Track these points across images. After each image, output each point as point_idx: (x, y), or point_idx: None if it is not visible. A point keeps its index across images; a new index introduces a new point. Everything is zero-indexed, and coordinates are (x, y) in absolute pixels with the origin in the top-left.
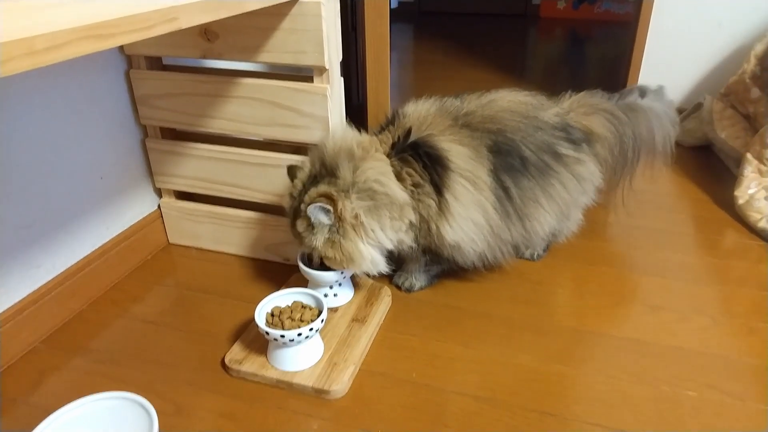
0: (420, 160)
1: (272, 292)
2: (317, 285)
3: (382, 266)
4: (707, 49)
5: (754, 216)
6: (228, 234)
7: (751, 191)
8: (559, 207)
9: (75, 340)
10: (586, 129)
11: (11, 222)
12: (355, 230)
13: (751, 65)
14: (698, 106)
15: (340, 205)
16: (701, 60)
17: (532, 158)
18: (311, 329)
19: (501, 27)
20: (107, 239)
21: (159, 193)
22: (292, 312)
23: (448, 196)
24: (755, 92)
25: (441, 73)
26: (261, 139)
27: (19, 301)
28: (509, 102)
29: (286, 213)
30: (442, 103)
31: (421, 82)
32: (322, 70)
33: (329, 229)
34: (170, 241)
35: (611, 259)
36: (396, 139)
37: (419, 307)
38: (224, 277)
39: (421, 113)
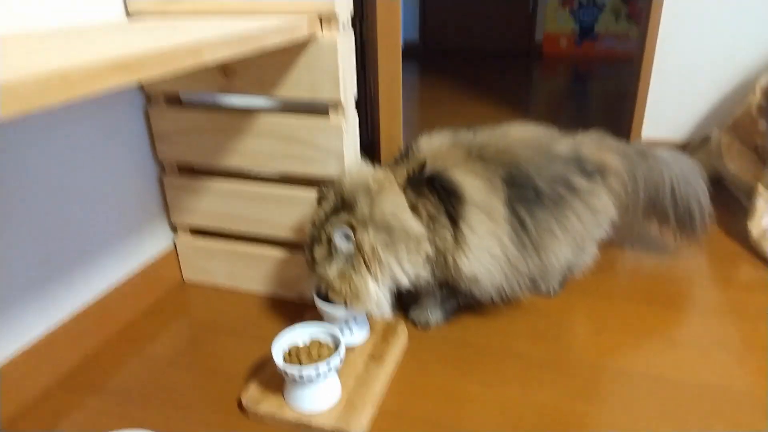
0: (435, 192)
1: None
2: (331, 320)
3: (386, 310)
4: (712, 83)
5: None
6: (242, 270)
7: (765, 222)
8: (574, 238)
9: (90, 380)
10: (599, 162)
11: (29, 257)
12: (369, 266)
13: (756, 98)
14: (706, 140)
15: (359, 235)
16: (707, 94)
17: (546, 190)
18: (329, 367)
19: (505, 64)
20: (122, 276)
21: (174, 229)
22: (309, 350)
23: (464, 227)
24: (762, 125)
25: (447, 109)
26: (276, 174)
27: (36, 339)
28: (522, 134)
29: (305, 240)
30: (456, 136)
31: (428, 119)
32: (337, 105)
33: (345, 260)
34: (184, 277)
35: (627, 293)
36: (411, 173)
37: (436, 344)
38: (239, 314)
39: (434, 146)
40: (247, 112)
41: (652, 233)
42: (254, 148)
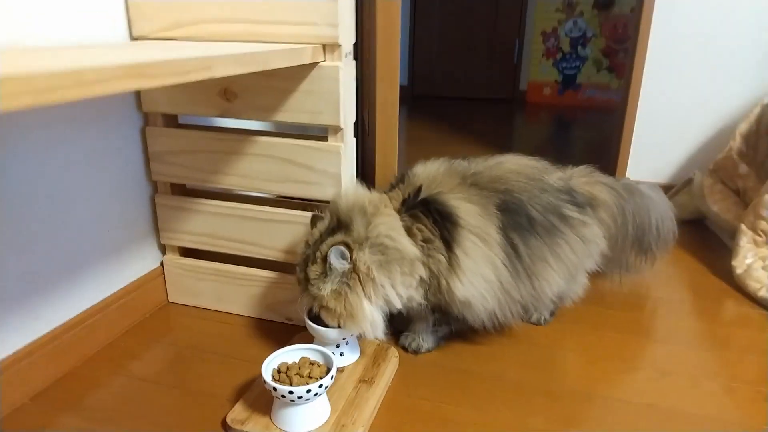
0: (430, 216)
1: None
2: (323, 343)
3: (380, 331)
4: (692, 129)
5: (753, 285)
6: (230, 292)
7: (748, 261)
8: (566, 267)
9: (67, 398)
10: (589, 194)
11: (16, 269)
12: (363, 286)
13: (737, 143)
14: (689, 182)
15: (355, 255)
16: (689, 139)
17: (539, 218)
18: (320, 386)
19: (489, 110)
20: (108, 294)
21: (163, 249)
22: (300, 368)
23: (458, 251)
24: (743, 168)
25: (433, 150)
26: (272, 196)
27: (14, 353)
28: (515, 164)
29: (298, 260)
30: (451, 164)
31: (415, 157)
32: (336, 130)
33: (340, 279)
34: (170, 299)
35: (617, 324)
36: (406, 196)
37: (427, 370)
38: (225, 336)
39: (430, 173)
40: (245, 134)
41: (637, 266)
42: (250, 170)
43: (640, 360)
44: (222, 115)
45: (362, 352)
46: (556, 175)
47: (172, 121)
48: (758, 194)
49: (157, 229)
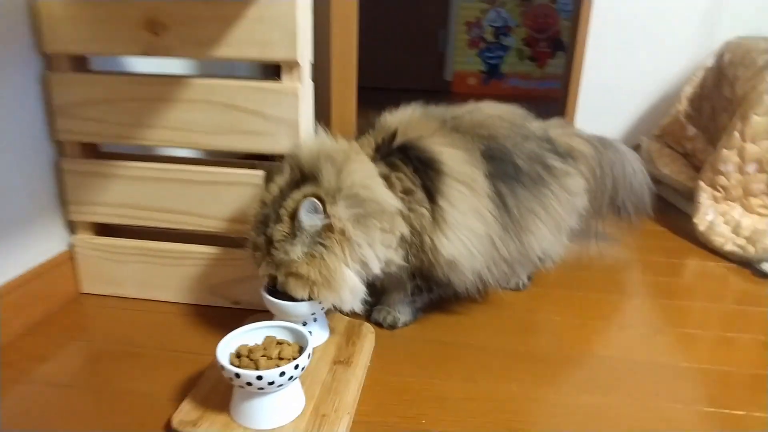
0: (410, 163)
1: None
2: (287, 320)
3: (359, 299)
4: (637, 97)
5: (718, 240)
6: (161, 276)
7: (709, 218)
8: (554, 221)
9: None
10: (568, 146)
11: None
12: (341, 246)
13: (683, 106)
14: (636, 148)
15: (328, 209)
16: (632, 107)
17: (525, 167)
18: (296, 367)
19: (416, 101)
20: None
21: (72, 228)
22: (266, 349)
23: (443, 203)
24: (691, 130)
25: None
26: (210, 152)
27: None
28: (496, 109)
29: (253, 222)
30: (425, 108)
31: None
32: (292, 66)
33: (312, 239)
34: (84, 289)
35: (594, 284)
36: (380, 143)
37: (407, 345)
38: (158, 328)
39: (404, 118)
40: (177, 78)
41: (608, 226)
42: (184, 121)
43: (620, 317)
44: (146, 53)
45: (332, 330)
46: (535, 123)
47: (81, 64)
48: (715, 151)
49: (63, 202)
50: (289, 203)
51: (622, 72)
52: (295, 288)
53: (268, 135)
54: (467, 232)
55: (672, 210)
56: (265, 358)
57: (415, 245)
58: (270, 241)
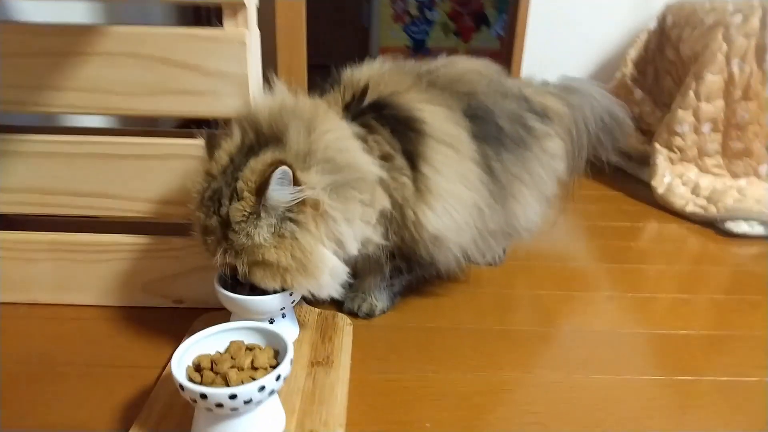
0: (386, 124)
1: (173, 348)
2: (250, 318)
3: (339, 282)
4: (579, 61)
5: (678, 202)
6: (80, 275)
7: (666, 180)
8: (538, 187)
9: None
10: (542, 105)
11: None
12: (314, 221)
13: (629, 69)
14: None
15: (299, 177)
16: (575, 72)
17: (507, 128)
18: (278, 377)
19: None
20: None
21: None
22: (234, 358)
23: (426, 169)
24: (638, 93)
25: None
26: (136, 117)
27: None
28: (471, 63)
29: (199, 199)
30: (395, 62)
31: None
32: (237, 7)
33: (279, 217)
34: None
35: (567, 254)
36: (349, 100)
37: (389, 335)
38: (83, 340)
39: (374, 72)
40: (89, 27)
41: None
42: (101, 78)
43: (612, 285)
44: None
45: (302, 326)
46: (510, 80)
47: None
48: (668, 112)
49: None
50: (248, 174)
51: (564, 37)
52: (263, 278)
53: (209, 94)
54: (454, 202)
55: (621, 174)
56: (235, 369)
57: (396, 220)
58: (226, 223)
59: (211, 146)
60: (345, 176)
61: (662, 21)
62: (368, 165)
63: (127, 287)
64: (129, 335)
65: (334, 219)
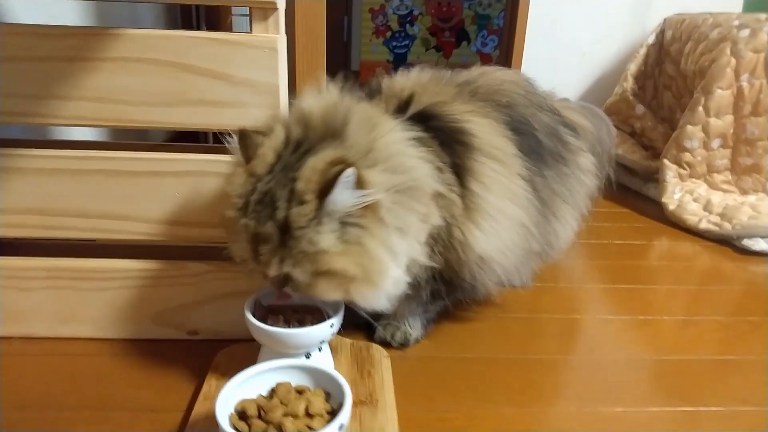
0: (435, 136)
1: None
2: (285, 352)
3: (398, 292)
4: (575, 77)
5: (691, 219)
6: (83, 304)
7: (677, 196)
8: (576, 204)
9: None
10: (570, 119)
11: None
12: (377, 225)
13: (629, 84)
14: None
15: (368, 178)
16: (571, 88)
17: (546, 142)
18: (340, 427)
19: None
20: None
21: None
22: (285, 404)
23: (474, 185)
24: (640, 108)
25: None
26: (155, 129)
27: None
28: (506, 74)
29: (242, 206)
30: (433, 71)
31: None
32: (268, 11)
33: (340, 222)
34: None
35: (596, 276)
36: (395, 108)
37: (427, 367)
38: (89, 378)
39: (416, 81)
40: (102, 30)
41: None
42: (115, 87)
43: (652, 308)
44: None
45: (335, 359)
46: (540, 92)
47: None
48: (674, 128)
49: None
50: (308, 173)
51: (561, 55)
52: (326, 289)
53: (236, 105)
54: (503, 221)
55: (624, 190)
56: (290, 418)
57: (442, 239)
58: (285, 229)
59: (247, 145)
60: (406, 182)
61: (661, 35)
62: (427, 175)
63: (135, 318)
64: (141, 372)
65: (387, 227)
